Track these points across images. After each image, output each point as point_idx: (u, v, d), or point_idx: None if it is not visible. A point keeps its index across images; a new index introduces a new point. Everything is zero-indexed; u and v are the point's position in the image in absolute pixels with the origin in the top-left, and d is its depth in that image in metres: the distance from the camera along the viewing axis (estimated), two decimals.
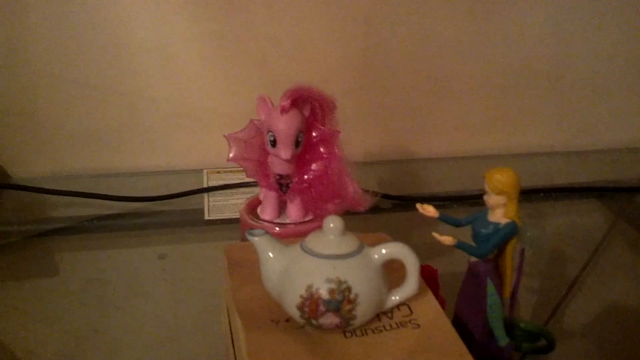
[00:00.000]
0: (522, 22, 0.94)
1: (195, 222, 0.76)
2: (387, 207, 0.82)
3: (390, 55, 0.92)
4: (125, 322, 0.60)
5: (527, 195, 0.86)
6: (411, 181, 0.93)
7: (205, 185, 0.83)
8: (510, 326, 0.52)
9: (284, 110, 0.55)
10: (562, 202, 0.87)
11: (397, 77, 0.93)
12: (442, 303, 0.55)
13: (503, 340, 0.51)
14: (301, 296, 0.43)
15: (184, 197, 0.80)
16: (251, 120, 0.59)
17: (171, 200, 0.80)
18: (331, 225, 0.45)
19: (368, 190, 0.62)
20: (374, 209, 0.76)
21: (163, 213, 0.78)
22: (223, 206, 0.78)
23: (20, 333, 0.57)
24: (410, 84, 0.94)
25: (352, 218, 0.68)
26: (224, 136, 0.59)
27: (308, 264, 0.44)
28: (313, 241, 0.45)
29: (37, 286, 0.65)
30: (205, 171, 0.87)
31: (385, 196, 0.80)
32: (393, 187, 0.85)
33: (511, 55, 0.95)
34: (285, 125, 0.55)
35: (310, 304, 0.43)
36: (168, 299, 0.63)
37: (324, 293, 0.43)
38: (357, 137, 0.95)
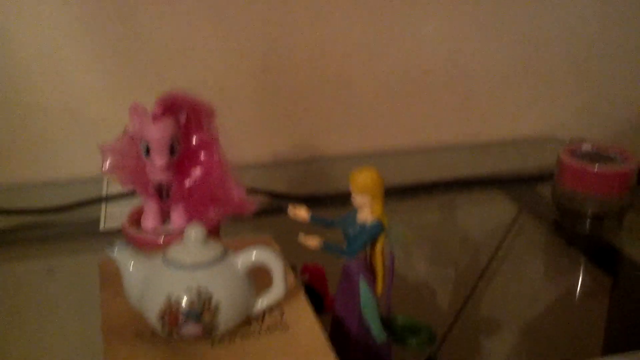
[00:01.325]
0: (419, 24, 0.95)
1: (89, 233, 0.74)
2: (285, 208, 0.82)
3: (291, 58, 0.92)
4: (10, 341, 0.58)
5: (430, 188, 0.88)
6: (320, 180, 0.93)
7: (103, 194, 0.81)
8: (388, 322, 0.53)
9: (155, 119, 0.54)
10: (466, 194, 0.89)
11: (300, 78, 0.94)
12: (331, 302, 0.55)
13: (380, 337, 0.51)
14: (161, 307, 0.43)
15: (80, 208, 0.78)
16: (125, 129, 0.58)
17: (67, 211, 0.78)
18: (192, 233, 0.45)
19: (256, 192, 0.62)
20: (273, 211, 0.77)
21: (57, 225, 0.76)
22: (120, 215, 0.76)
23: None
24: (313, 84, 0.94)
25: (248, 222, 0.68)
26: (98, 147, 0.57)
27: (168, 275, 0.44)
28: (174, 251, 0.45)
29: None
30: (105, 179, 0.85)
31: (281, 196, 0.81)
32: (302, 187, 0.85)
33: (410, 55, 0.97)
34: (157, 133, 0.54)
35: (170, 315, 0.43)
36: (55, 314, 0.61)
37: (183, 303, 0.42)
38: (263, 139, 0.97)
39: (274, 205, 0.78)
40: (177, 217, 0.60)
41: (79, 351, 0.57)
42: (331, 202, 0.82)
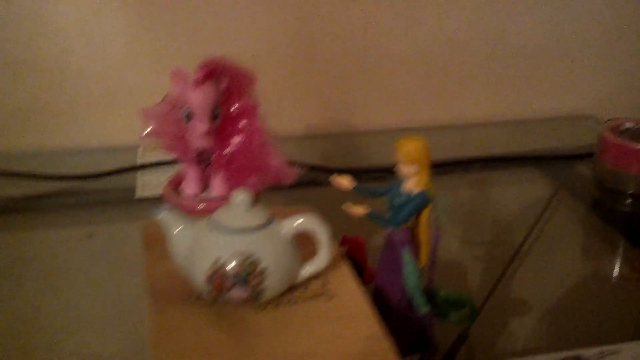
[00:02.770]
0: None
1: (126, 200, 0.75)
2: (322, 181, 0.81)
3: (325, 29, 0.91)
4: (52, 304, 0.58)
5: (466, 165, 0.86)
6: (351, 154, 0.92)
7: (138, 163, 0.81)
8: (430, 295, 0.52)
9: (197, 83, 0.53)
10: (502, 171, 0.88)
11: (334, 51, 0.93)
12: (370, 274, 0.55)
13: (423, 308, 0.51)
14: (208, 270, 0.43)
15: (115, 175, 0.79)
16: (167, 95, 0.57)
17: (103, 178, 0.78)
18: (239, 198, 0.44)
19: (295, 163, 0.62)
20: (310, 183, 0.76)
21: (93, 192, 0.76)
22: (155, 184, 0.76)
23: None
24: (347, 58, 0.93)
25: (286, 193, 0.68)
26: (140, 111, 0.57)
27: (214, 239, 0.43)
28: (221, 216, 0.44)
29: None
30: (140, 148, 0.85)
31: (318, 169, 0.80)
32: (334, 161, 0.85)
33: (447, 27, 0.95)
34: (199, 98, 0.54)
35: (217, 279, 0.42)
36: (95, 278, 0.62)
37: (230, 267, 0.42)
38: (297, 112, 0.96)
39: (308, 178, 0.78)
40: (217, 184, 0.59)
41: (119, 313, 0.57)
42: (362, 176, 0.81)
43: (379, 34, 0.93)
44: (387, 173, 0.82)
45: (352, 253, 0.58)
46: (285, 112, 0.91)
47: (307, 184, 0.75)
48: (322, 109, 0.95)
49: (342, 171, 0.81)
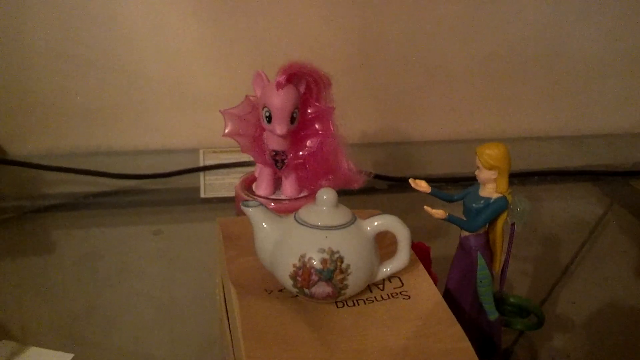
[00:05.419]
0: (516, 4, 0.94)
1: (191, 200, 0.77)
2: (381, 188, 0.82)
3: (385, 37, 0.92)
4: (120, 299, 0.60)
5: (522, 178, 0.87)
6: (406, 163, 0.93)
7: (201, 164, 0.83)
8: (500, 301, 0.53)
9: (279, 86, 0.55)
10: (557, 185, 0.88)
11: (392, 60, 0.94)
12: (434, 280, 0.55)
13: (493, 315, 0.51)
14: (294, 265, 0.44)
15: (179, 176, 0.81)
16: (247, 96, 0.59)
17: (167, 178, 0.80)
18: (324, 197, 0.45)
19: (362, 170, 0.63)
20: (369, 190, 0.77)
21: (159, 191, 0.79)
22: (219, 185, 0.79)
23: (15, 309, 0.58)
24: (405, 67, 0.94)
25: (346, 198, 0.69)
26: (220, 111, 0.59)
27: (301, 234, 0.44)
28: (306, 213, 0.46)
29: (33, 262, 0.65)
30: (201, 150, 0.87)
31: (380, 177, 0.81)
32: (388, 169, 0.85)
33: (505, 38, 0.95)
34: (280, 100, 0.55)
35: (303, 273, 0.44)
36: (163, 276, 0.64)
37: (316, 262, 0.43)
38: (353, 119, 0.95)
39: (368, 184, 0.79)
40: (289, 185, 0.61)
41: (185, 310, 0.59)
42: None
43: (437, 44, 0.94)
44: (440, 183, 0.83)
45: (418, 258, 0.58)
46: (340, 118, 0.93)
47: (367, 190, 0.77)
48: (378, 118, 0.96)
49: (399, 180, 0.83)
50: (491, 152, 0.47)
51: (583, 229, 0.75)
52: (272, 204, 0.61)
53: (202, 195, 0.77)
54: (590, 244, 0.72)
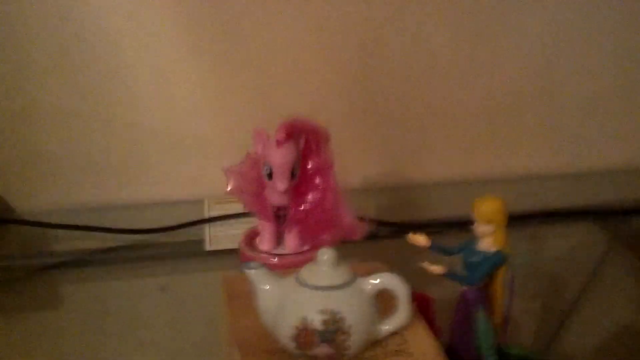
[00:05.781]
0: (512, 45, 0.95)
1: (196, 253, 0.77)
2: (384, 234, 0.82)
3: (384, 81, 0.93)
4: (128, 354, 0.60)
5: (523, 219, 0.87)
6: (409, 207, 0.93)
7: (206, 216, 0.84)
8: (502, 354, 0.53)
9: (279, 144, 0.56)
10: (558, 225, 0.87)
11: (392, 103, 0.95)
12: (438, 331, 0.56)
13: None
14: (295, 327, 0.44)
15: (185, 228, 0.81)
16: (248, 154, 0.60)
17: (173, 231, 0.81)
18: (324, 257, 0.46)
19: (364, 218, 0.64)
20: (372, 237, 0.77)
21: (164, 245, 0.79)
22: (224, 236, 0.79)
23: None
24: (405, 109, 0.95)
25: (349, 246, 0.70)
26: (223, 170, 0.60)
27: (302, 296, 0.45)
28: (307, 273, 0.46)
29: (41, 320, 0.66)
30: (206, 200, 0.88)
31: (382, 223, 0.81)
32: (392, 214, 0.85)
33: (503, 79, 0.96)
34: (281, 158, 0.57)
35: (305, 335, 0.44)
36: (170, 330, 0.64)
37: (317, 324, 0.44)
38: (354, 164, 0.98)
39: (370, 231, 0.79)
40: (291, 240, 0.62)
41: None
42: (421, 230, 0.82)
43: (435, 85, 0.94)
44: (445, 227, 0.83)
45: (420, 310, 0.59)
46: (340, 163, 0.94)
47: (370, 237, 0.77)
48: (379, 161, 0.97)
49: (402, 225, 0.83)
50: (487, 207, 0.48)
51: (586, 269, 0.75)
52: (275, 259, 0.61)
53: (208, 247, 0.77)
54: (593, 284, 0.72)
